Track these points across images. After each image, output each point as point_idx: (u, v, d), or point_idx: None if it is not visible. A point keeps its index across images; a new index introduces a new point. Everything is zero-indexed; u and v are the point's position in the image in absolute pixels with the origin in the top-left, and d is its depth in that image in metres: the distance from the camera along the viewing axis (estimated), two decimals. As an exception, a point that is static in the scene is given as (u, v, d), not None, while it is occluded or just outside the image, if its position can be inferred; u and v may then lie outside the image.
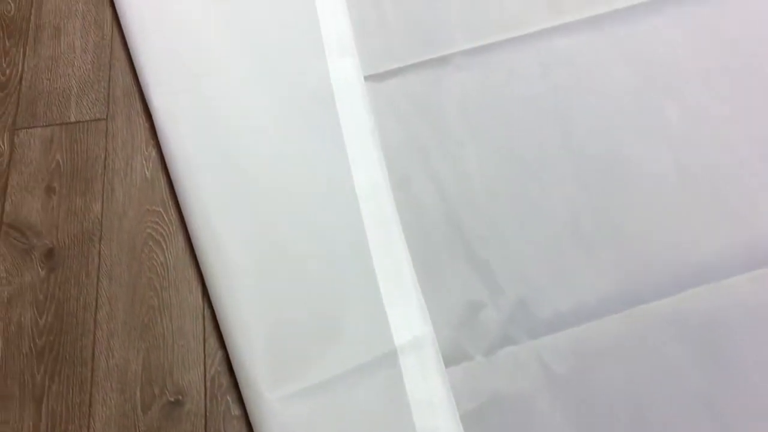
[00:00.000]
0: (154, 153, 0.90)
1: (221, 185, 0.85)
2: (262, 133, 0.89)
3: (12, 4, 1.03)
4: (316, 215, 0.84)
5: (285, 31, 0.97)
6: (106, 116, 0.92)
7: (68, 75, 0.96)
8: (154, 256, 0.82)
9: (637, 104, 0.92)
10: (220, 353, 0.77)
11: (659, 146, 0.88)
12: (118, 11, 1.00)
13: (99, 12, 1.02)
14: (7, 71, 0.97)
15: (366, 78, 0.95)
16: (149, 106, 0.91)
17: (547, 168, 0.88)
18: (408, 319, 0.76)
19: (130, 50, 0.96)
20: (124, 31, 0.97)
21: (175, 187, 0.85)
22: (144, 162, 0.89)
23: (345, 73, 0.95)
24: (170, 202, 0.86)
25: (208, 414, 0.73)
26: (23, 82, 0.95)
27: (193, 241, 0.82)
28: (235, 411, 0.73)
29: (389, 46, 0.97)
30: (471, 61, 0.96)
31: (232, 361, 0.74)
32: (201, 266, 0.80)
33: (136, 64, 0.94)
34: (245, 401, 0.73)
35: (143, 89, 0.92)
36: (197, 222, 0.82)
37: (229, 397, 0.74)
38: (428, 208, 0.85)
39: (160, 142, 0.88)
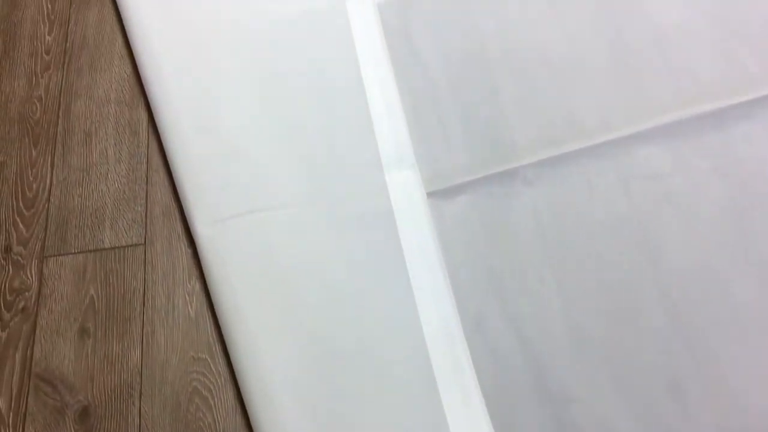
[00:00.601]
0: (197, 286, 0.79)
1: (276, 332, 0.73)
2: (319, 267, 0.77)
3: (37, 105, 0.92)
4: (381, 366, 0.72)
5: (338, 143, 0.85)
6: (144, 241, 0.82)
7: (101, 191, 0.85)
8: (201, 415, 0.71)
9: (736, 228, 0.80)
10: None
11: None
12: (154, 115, 0.89)
13: (133, 114, 0.91)
14: (34, 186, 0.86)
15: (429, 195, 0.83)
16: (192, 232, 0.79)
17: (638, 307, 0.76)
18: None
19: (170, 164, 0.84)
20: (162, 141, 0.86)
21: (223, 331, 0.74)
22: (187, 297, 0.78)
23: (405, 188, 0.83)
24: (217, 348, 0.75)
25: None
26: (52, 199, 0.85)
27: (245, 400, 0.70)
28: None
29: (452, 158, 0.86)
30: (543, 173, 0.84)
31: None
32: (255, 433, 0.69)
33: (176, 181, 0.82)
34: None
35: (185, 211, 0.81)
36: (249, 378, 0.71)
37: None
38: (506, 355, 0.74)
39: (205, 275, 0.77)
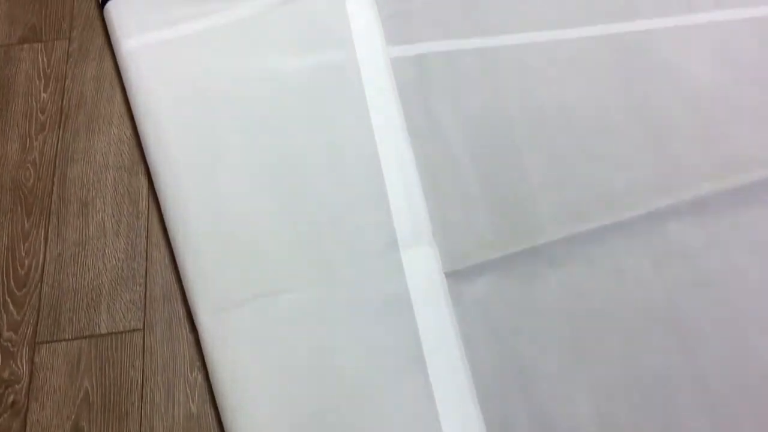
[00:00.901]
0: (200, 378, 0.72)
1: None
2: (330, 358, 0.71)
3: (31, 170, 0.86)
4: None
5: (350, 218, 0.78)
6: (143, 325, 0.75)
7: (98, 268, 0.79)
8: None
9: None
10: None
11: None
12: (155, 184, 0.82)
13: (132, 180, 0.85)
14: (26, 261, 0.80)
15: (447, 275, 0.77)
16: (194, 320, 0.73)
17: (674, 404, 0.69)
18: None
19: (171, 241, 0.78)
20: (163, 215, 0.80)
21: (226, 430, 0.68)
22: (188, 391, 0.72)
23: (422, 268, 0.76)
24: (221, 450, 0.69)
25: None
26: (45, 278, 0.78)
27: None
28: None
29: (472, 235, 0.79)
30: (569, 252, 0.78)
31: None
32: None
33: (177, 262, 0.76)
34: None
35: (187, 297, 0.74)
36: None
37: None
38: (534, 461, 0.68)
39: (208, 368, 0.70)
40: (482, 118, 0.88)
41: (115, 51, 0.92)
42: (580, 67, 0.91)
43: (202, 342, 0.72)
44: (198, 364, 0.73)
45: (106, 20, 0.94)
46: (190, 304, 0.74)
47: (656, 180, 0.82)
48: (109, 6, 0.94)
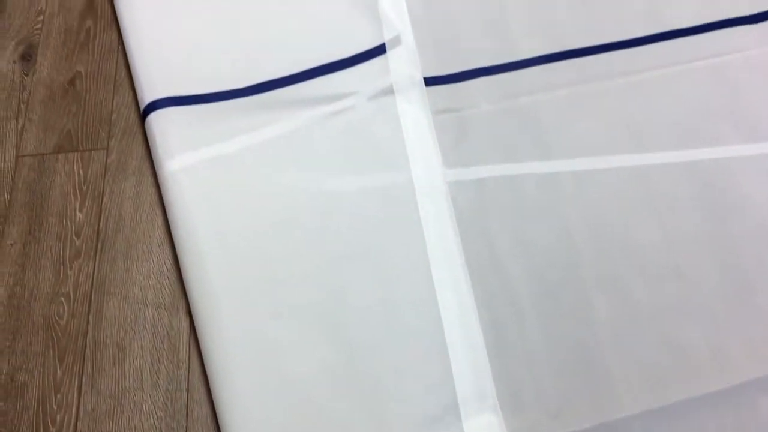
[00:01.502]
0: None
1: None
2: None
3: (65, 306, 0.79)
4: None
5: (407, 375, 0.70)
6: (183, 500, 0.68)
7: (134, 426, 0.72)
8: None
9: None
10: None
11: None
12: (196, 328, 0.75)
13: (173, 321, 0.78)
14: (58, 417, 0.72)
15: (514, 445, 0.69)
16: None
17: None
18: None
19: (213, 400, 0.71)
20: (206, 367, 0.73)
21: None
22: None
23: (487, 439, 0.70)
24: None
25: None
26: (78, 438, 0.72)
27: None
28: None
29: (541, 405, 0.70)
30: (649, 429, 0.69)
31: None
32: None
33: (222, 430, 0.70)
34: None
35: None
36: None
37: None
38: None
39: None
40: (546, 253, 0.80)
41: (156, 170, 0.85)
42: (653, 198, 0.82)
43: None
44: None
45: (147, 134, 0.87)
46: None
47: (742, 342, 0.73)
48: (150, 119, 0.87)
